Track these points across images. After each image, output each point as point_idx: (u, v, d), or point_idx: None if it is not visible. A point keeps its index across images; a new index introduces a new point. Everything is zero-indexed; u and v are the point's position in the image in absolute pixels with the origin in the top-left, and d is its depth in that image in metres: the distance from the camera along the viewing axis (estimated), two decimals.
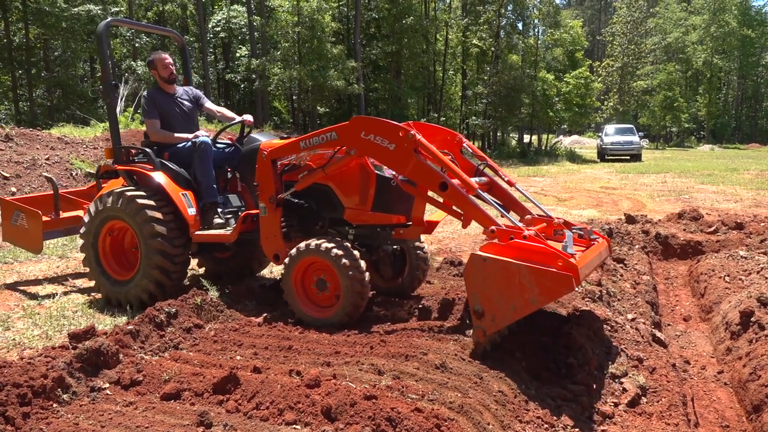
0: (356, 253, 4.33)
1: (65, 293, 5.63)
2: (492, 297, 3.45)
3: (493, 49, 34.82)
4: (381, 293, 5.17)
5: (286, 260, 4.49)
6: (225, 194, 5.71)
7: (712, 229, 8.33)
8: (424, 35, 32.61)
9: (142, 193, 5.08)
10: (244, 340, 4.02)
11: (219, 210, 5.35)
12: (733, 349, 4.49)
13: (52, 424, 2.86)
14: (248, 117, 5.70)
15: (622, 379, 3.62)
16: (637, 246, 7.72)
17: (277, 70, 24.53)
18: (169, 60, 5.62)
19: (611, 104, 49.23)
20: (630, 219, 9.04)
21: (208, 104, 5.95)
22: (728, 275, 6.01)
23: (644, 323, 4.75)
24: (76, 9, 22.63)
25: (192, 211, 5.06)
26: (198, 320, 4.29)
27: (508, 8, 36.04)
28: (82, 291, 5.72)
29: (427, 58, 33.80)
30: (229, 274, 6.02)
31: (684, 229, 8.41)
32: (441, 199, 4.24)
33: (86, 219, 5.36)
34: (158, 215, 4.96)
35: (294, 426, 2.75)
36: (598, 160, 32.23)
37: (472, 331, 3.58)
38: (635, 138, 32.00)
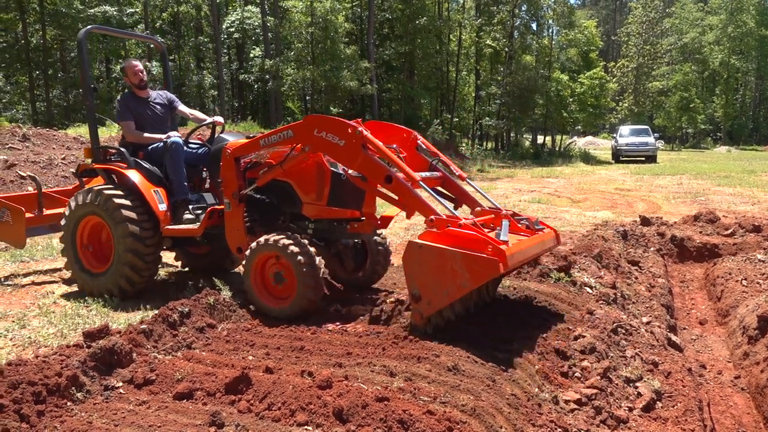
0: (311, 248, 4.55)
1: (80, 292, 5.67)
2: (427, 282, 3.69)
3: (506, 49, 34.69)
4: (343, 285, 5.51)
5: (246, 254, 4.72)
6: (199, 192, 5.97)
7: (728, 231, 8.22)
8: (437, 36, 32.54)
9: (118, 192, 5.33)
10: (257, 340, 4.02)
11: (190, 207, 5.60)
12: (751, 353, 4.43)
13: (66, 423, 2.88)
14: (219, 119, 6.00)
15: (637, 384, 3.57)
16: (652, 248, 7.64)
17: (290, 71, 24.60)
18: (139, 67, 5.92)
19: (626, 105, 48.87)
20: (645, 221, 8.95)
21: (181, 107, 6.28)
22: (745, 279, 5.93)
23: (659, 327, 4.69)
24: (92, 10, 22.87)
25: (163, 206, 5.34)
26: (211, 320, 4.31)
27: (522, 8, 35.90)
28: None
29: (440, 58, 33.70)
30: (205, 269, 6.33)
31: (700, 232, 8.31)
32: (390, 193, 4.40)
33: (65, 215, 5.66)
34: (132, 215, 5.23)
35: (306, 427, 2.74)
36: (613, 162, 32.01)
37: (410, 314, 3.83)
38: (650, 139, 31.74)
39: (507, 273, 4.60)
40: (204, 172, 6.06)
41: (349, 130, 4.32)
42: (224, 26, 33.10)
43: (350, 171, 4.64)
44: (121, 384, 3.31)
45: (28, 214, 6.27)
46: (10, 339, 4.41)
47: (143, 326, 3.86)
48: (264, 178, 4.91)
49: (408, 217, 4.47)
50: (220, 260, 6.37)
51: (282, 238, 4.55)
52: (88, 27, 6.21)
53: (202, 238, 5.49)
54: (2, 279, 6.23)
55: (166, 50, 6.98)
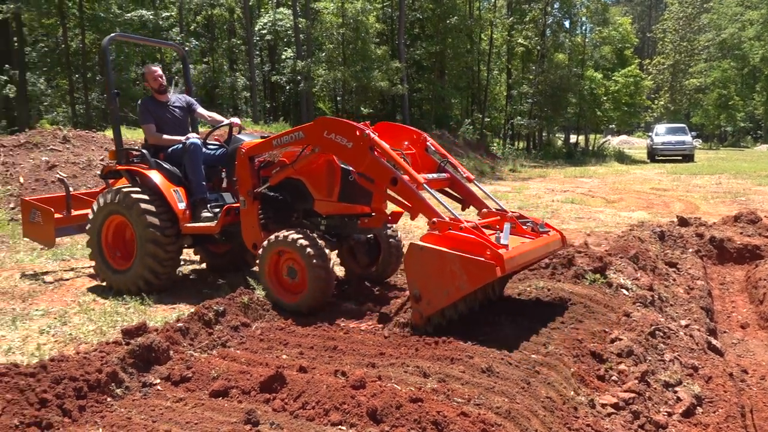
0: (322, 243, 4.68)
1: (119, 290, 5.80)
2: (428, 283, 3.81)
3: (538, 47, 34.31)
4: (358, 279, 5.60)
5: (260, 250, 4.88)
6: (219, 192, 6.13)
7: None
8: (468, 35, 32.32)
9: (138, 190, 5.62)
10: (290, 340, 4.05)
11: (209, 205, 5.78)
12: None
13: (106, 418, 2.95)
14: (235, 120, 6.21)
15: (676, 388, 3.49)
16: (690, 250, 7.47)
17: (321, 72, 24.75)
18: (159, 72, 6.19)
19: (662, 103, 47.89)
20: (683, 221, 8.75)
21: (200, 110, 6.51)
22: None
23: (699, 330, 4.58)
24: (129, 14, 23.34)
25: (182, 205, 5.57)
26: (245, 319, 4.36)
27: (555, 6, 35.46)
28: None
29: (471, 57, 33.47)
30: (226, 267, 6.58)
31: (741, 233, 8.08)
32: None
33: (90, 215, 5.94)
34: (151, 208, 5.47)
35: (339, 426, 2.75)
36: (648, 161, 31.39)
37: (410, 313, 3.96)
38: (687, 138, 31.03)
39: (513, 274, 4.84)
40: (222, 172, 6.23)
41: (357, 133, 4.45)
42: (257, 28, 33.47)
43: (357, 171, 4.72)
44: (158, 381, 3.37)
45: (57, 215, 6.53)
46: (52, 335, 4.54)
47: (180, 324, 3.93)
48: (277, 176, 5.09)
49: (412, 218, 4.56)
50: (239, 258, 6.51)
51: (294, 234, 4.68)
52: (112, 35, 6.61)
53: (221, 236, 5.65)
54: (44, 277, 6.41)
55: (186, 55, 7.26)
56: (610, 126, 42.55)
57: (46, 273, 6.63)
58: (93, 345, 3.99)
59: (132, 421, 2.90)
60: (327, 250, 4.68)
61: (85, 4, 23.16)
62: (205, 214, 5.70)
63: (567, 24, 37.52)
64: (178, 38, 28.61)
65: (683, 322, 4.69)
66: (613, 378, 3.49)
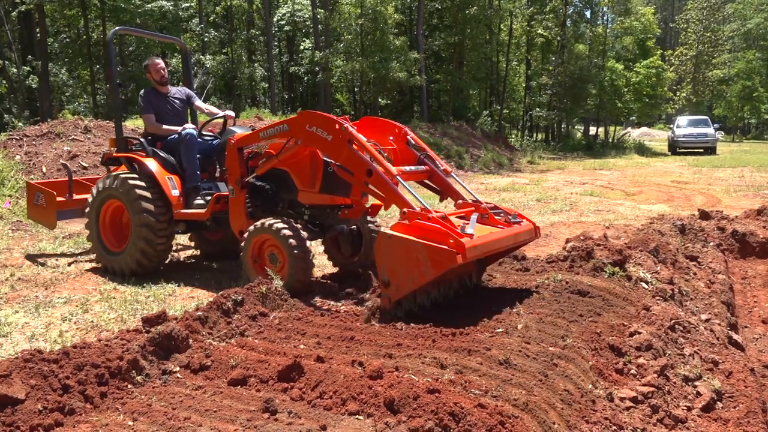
0: (302, 232, 4.99)
1: (138, 279, 5.87)
2: (395, 269, 4.04)
3: (559, 38, 33.93)
4: (343, 269, 5.92)
5: (245, 236, 5.19)
6: (213, 181, 6.36)
7: None
8: (487, 25, 32.03)
9: (134, 176, 5.91)
10: (308, 329, 4.08)
11: (201, 193, 6.06)
12: None
13: (127, 404, 2.99)
14: (230, 113, 6.49)
15: (696, 383, 3.46)
16: (711, 243, 7.35)
17: (339, 63, 24.72)
18: (162, 65, 6.47)
19: (684, 95, 47.11)
20: (704, 215, 8.62)
21: (198, 102, 6.77)
22: None
23: (719, 324, 4.52)
24: (149, 5, 23.45)
25: (175, 192, 5.87)
26: (263, 308, 4.39)
27: None
28: (153, 278, 5.96)
29: (490, 48, 33.20)
30: (219, 254, 6.86)
31: (764, 227, 7.95)
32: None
33: (90, 199, 6.29)
34: (146, 194, 5.77)
35: (357, 416, 2.77)
36: (669, 153, 30.98)
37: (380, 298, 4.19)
38: (710, 130, 30.55)
39: (489, 262, 5.21)
40: (217, 162, 6.43)
41: (337, 126, 4.70)
42: (275, 19, 33.51)
43: (336, 163, 4.96)
44: (178, 369, 3.41)
45: (59, 198, 6.87)
46: (74, 322, 4.61)
47: (199, 313, 3.97)
48: (263, 167, 5.36)
49: (386, 208, 4.90)
50: (232, 245, 6.52)
51: (276, 222, 4.99)
52: (116, 28, 6.97)
53: (212, 223, 5.93)
54: (67, 265, 6.51)
55: (187, 50, 7.59)
56: (631, 118, 42.00)
57: (71, 263, 6.72)
58: (114, 333, 4.05)
59: (152, 408, 2.94)
60: (307, 239, 4.98)
61: None
62: (198, 201, 5.96)
63: (588, 14, 37.06)
64: (197, 29, 28.75)
65: (703, 317, 4.63)
66: (632, 372, 3.46)
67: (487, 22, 31.30)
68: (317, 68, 26.94)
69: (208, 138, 6.41)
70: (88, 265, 6.54)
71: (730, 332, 4.43)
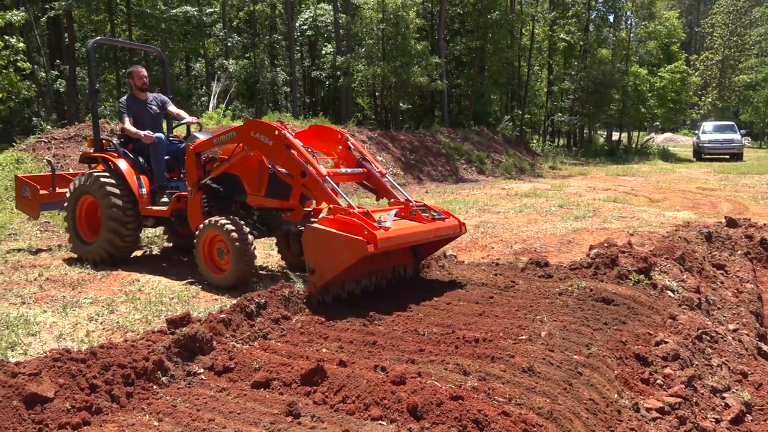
0: (246, 229, 5.51)
1: (162, 281, 5.94)
2: (319, 258, 4.58)
3: (581, 43, 33.62)
4: (292, 268, 6.43)
5: (197, 232, 5.73)
6: (183, 181, 6.62)
7: None
8: (509, 30, 31.86)
9: (106, 174, 6.50)
10: (330, 333, 4.08)
11: (167, 192, 6.58)
12: None
13: (152, 405, 3.03)
14: (193, 119, 7.13)
15: (724, 394, 3.40)
16: (739, 252, 7.22)
17: (361, 67, 24.78)
18: (144, 73, 7.04)
19: (709, 100, 46.39)
20: (731, 222, 8.47)
21: (171, 107, 7.26)
22: None
23: (748, 335, 4.44)
24: (174, 11, 23.74)
25: (143, 190, 6.48)
26: (286, 311, 4.41)
27: (599, 0, 34.66)
28: (178, 279, 6.02)
29: (511, 53, 33.00)
30: (188, 247, 6.86)
31: None
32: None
33: (68, 194, 6.87)
34: (116, 191, 6.36)
35: (380, 422, 2.76)
36: (694, 160, 30.52)
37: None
38: (736, 136, 30.02)
39: (425, 255, 5.69)
40: None
41: (276, 133, 5.24)
42: (297, 24, 33.70)
43: (278, 168, 5.52)
44: (202, 370, 3.44)
45: (42, 192, 7.49)
46: (101, 323, 4.68)
47: (222, 315, 4.00)
48: (216, 170, 5.93)
49: (317, 205, 5.49)
50: None
51: (222, 220, 5.55)
52: (97, 38, 7.80)
53: (175, 219, 6.44)
54: (93, 266, 6.60)
55: (165, 59, 8.32)
56: (655, 123, 41.41)
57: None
58: (139, 333, 4.10)
59: (177, 408, 2.97)
60: (250, 236, 5.50)
61: (132, 1, 23.70)
62: (164, 199, 6.54)
63: (611, 18, 36.69)
64: (221, 34, 29.06)
65: (731, 327, 4.55)
66: (658, 382, 3.42)
67: (508, 26, 31.15)
68: (339, 73, 27.03)
69: (175, 141, 7.10)
70: (114, 267, 6.62)
71: (759, 343, 4.35)
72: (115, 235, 6.40)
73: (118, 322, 4.69)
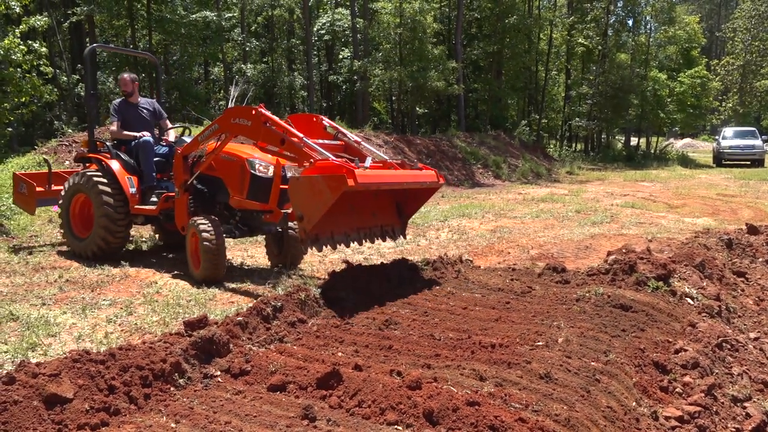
0: (220, 229, 5.94)
1: (179, 284, 5.99)
2: (305, 203, 4.83)
3: (600, 47, 33.40)
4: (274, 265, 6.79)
5: (183, 231, 6.22)
6: (171, 182, 6.98)
7: None
8: (527, 34, 31.73)
9: (99, 174, 6.89)
10: (345, 337, 4.09)
11: (156, 192, 6.98)
12: None
13: (169, 407, 3.05)
14: (172, 132, 7.74)
15: (745, 404, 3.35)
16: (760, 259, 7.12)
17: (378, 72, 24.83)
18: (128, 79, 7.47)
19: (730, 105, 45.75)
20: (753, 229, 8.34)
21: (165, 122, 7.85)
22: None
23: None
24: (193, 16, 23.98)
25: (133, 190, 6.87)
26: (301, 315, 4.42)
27: (618, 5, 34.43)
28: (194, 282, 6.07)
29: (529, 57, 32.82)
30: (178, 244, 7.39)
31: None
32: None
33: (62, 192, 7.29)
34: (107, 190, 6.74)
35: (396, 426, 2.76)
36: (714, 165, 30.12)
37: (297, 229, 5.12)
38: (758, 142, 29.58)
39: (408, 214, 6.02)
40: None
41: (253, 112, 5.55)
42: (315, 28, 33.87)
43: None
44: (219, 373, 3.47)
45: (38, 189, 7.86)
46: (119, 324, 4.73)
47: (239, 318, 4.02)
48: (201, 166, 6.26)
49: (299, 165, 5.46)
50: None
51: (198, 219, 5.98)
52: (93, 45, 8.41)
53: (163, 218, 6.80)
54: (111, 268, 6.68)
55: (159, 65, 8.82)
56: (674, 129, 40.99)
57: (116, 265, 6.90)
58: (157, 335, 4.14)
59: (194, 411, 2.99)
60: (221, 236, 5.89)
61: (152, 7, 23.99)
62: (153, 199, 6.93)
63: (630, 23, 36.42)
64: (239, 38, 29.30)
65: (752, 335, 4.48)
66: (678, 390, 3.37)
67: (526, 31, 31.03)
68: (356, 77, 27.10)
69: (165, 145, 7.49)
70: (132, 270, 6.69)
71: None
72: (107, 232, 6.77)
73: (136, 323, 4.73)
